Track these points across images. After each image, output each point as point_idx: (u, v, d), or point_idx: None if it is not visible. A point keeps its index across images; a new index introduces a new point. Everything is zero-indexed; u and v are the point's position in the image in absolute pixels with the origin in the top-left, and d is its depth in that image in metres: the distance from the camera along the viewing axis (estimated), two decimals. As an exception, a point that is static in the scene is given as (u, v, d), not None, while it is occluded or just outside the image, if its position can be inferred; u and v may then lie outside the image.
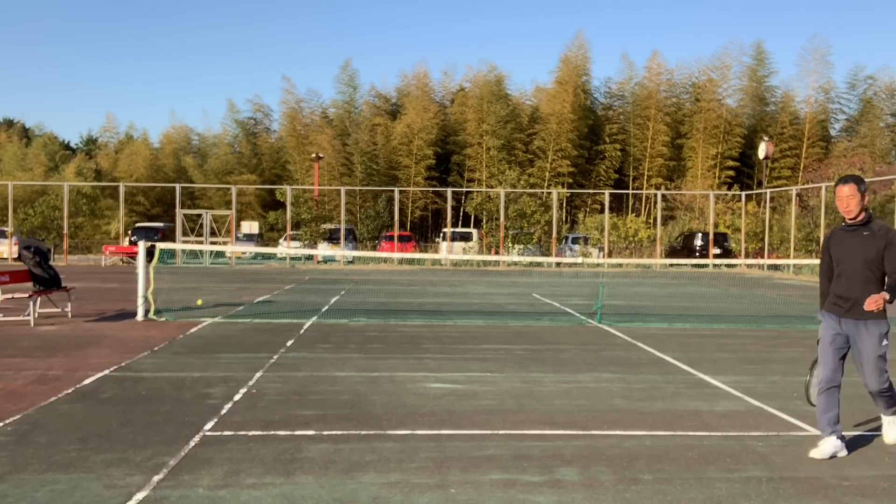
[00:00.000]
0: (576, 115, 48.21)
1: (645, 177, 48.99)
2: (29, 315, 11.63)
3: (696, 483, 4.59)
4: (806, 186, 37.26)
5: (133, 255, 28.52)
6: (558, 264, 33.45)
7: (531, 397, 6.88)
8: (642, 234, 37.91)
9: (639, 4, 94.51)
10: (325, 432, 5.59)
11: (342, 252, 32.34)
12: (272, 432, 5.57)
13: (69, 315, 12.47)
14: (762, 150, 38.04)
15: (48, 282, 12.33)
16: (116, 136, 58.39)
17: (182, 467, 4.73)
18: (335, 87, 77.62)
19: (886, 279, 5.09)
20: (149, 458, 4.91)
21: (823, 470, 4.90)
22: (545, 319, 13.14)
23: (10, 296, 12.06)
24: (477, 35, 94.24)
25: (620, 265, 34.18)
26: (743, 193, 39.34)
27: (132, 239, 33.12)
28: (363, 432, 5.61)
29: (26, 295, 11.72)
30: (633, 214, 45.39)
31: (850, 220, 5.19)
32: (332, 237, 36.01)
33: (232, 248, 30.65)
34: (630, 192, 46.69)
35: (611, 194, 39.97)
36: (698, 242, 36.25)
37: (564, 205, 46.47)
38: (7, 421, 5.79)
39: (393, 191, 37.52)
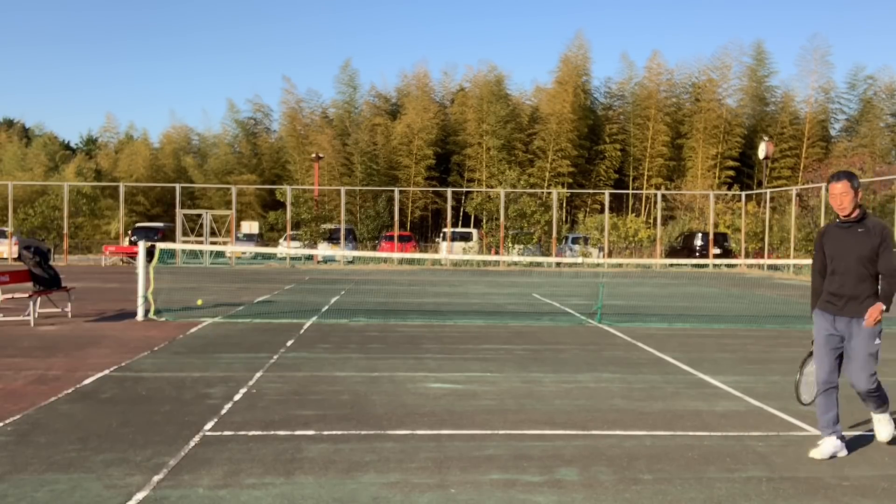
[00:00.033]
0: (576, 115, 48.21)
1: (645, 177, 48.99)
2: (29, 315, 11.64)
3: (696, 483, 4.59)
4: (806, 186, 37.25)
5: (133, 255, 28.52)
6: (558, 264, 33.44)
7: (531, 397, 6.88)
8: (642, 234, 37.91)
9: (639, 4, 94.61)
10: (325, 432, 5.59)
11: (342, 252, 32.34)
12: (272, 432, 5.57)
13: (69, 315, 12.47)
14: (762, 150, 38.04)
15: (48, 282, 12.34)
16: (116, 136, 58.47)
17: (182, 467, 4.74)
18: (335, 87, 77.75)
19: (879, 280, 5.07)
20: (149, 458, 4.91)
21: (823, 470, 4.90)
22: (545, 319, 13.14)
23: (10, 296, 12.06)
24: (477, 35, 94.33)
25: (620, 265, 34.18)
26: (743, 193, 39.33)
27: (132, 239, 33.11)
28: (363, 432, 5.61)
29: (26, 295, 11.72)
30: (633, 214, 45.38)
31: (845, 217, 5.15)
32: (332, 237, 36.01)
33: (232, 248, 30.64)
34: (630, 192, 46.69)
35: (611, 194, 39.97)
36: (698, 242, 36.25)
37: (564, 205, 46.47)
38: (7, 421, 5.79)
39: (393, 191, 37.51)
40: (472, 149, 48.81)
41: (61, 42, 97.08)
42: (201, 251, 35.16)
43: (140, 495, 4.23)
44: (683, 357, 9.25)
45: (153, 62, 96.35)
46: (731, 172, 48.62)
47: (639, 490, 4.45)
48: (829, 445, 5.15)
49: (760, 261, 22.45)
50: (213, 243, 33.98)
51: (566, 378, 7.82)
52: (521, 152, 49.15)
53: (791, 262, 21.96)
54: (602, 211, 40.26)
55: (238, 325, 11.82)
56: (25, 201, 37.98)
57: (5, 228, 34.26)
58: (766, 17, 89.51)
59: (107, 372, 7.78)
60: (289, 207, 34.38)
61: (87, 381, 7.30)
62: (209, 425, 5.73)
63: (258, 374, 7.74)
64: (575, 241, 37.60)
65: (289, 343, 9.90)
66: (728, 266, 33.56)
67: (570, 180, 48.22)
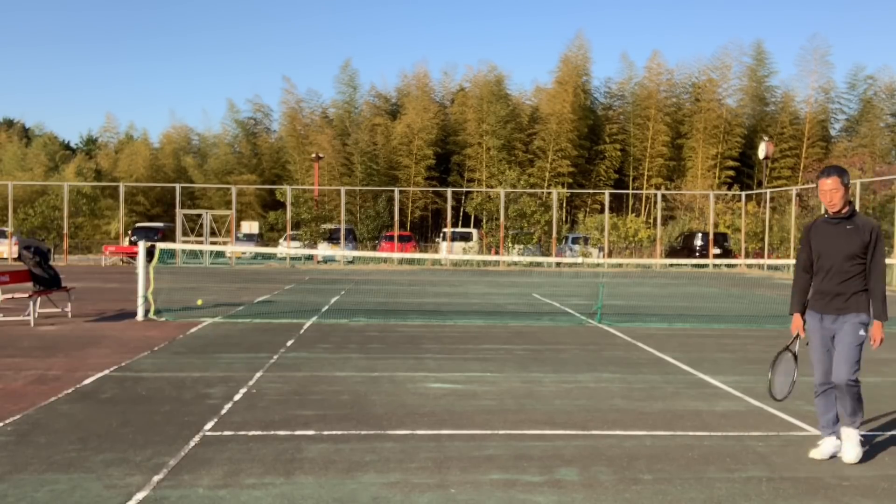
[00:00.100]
0: (576, 115, 48.21)
1: (645, 177, 48.99)
2: (29, 315, 11.64)
3: (696, 483, 4.59)
4: (806, 186, 37.26)
5: (133, 255, 28.51)
6: (558, 264, 33.45)
7: (531, 397, 6.88)
8: (642, 234, 37.92)
9: (639, 4, 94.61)
10: (325, 432, 5.59)
11: (342, 252, 32.35)
12: (272, 432, 5.57)
13: (69, 315, 12.47)
14: (762, 150, 38.04)
15: (48, 282, 12.34)
16: (116, 136, 58.51)
17: (182, 467, 4.73)
18: (335, 87, 77.79)
19: (870, 283, 5.01)
20: (149, 458, 4.91)
21: (823, 470, 4.90)
22: (545, 319, 13.14)
23: (10, 296, 12.06)
24: (477, 35, 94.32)
25: (620, 265, 34.18)
26: (743, 193, 39.34)
27: (132, 239, 33.12)
28: (363, 432, 5.61)
29: (26, 295, 11.72)
30: (633, 214, 45.39)
31: (834, 213, 5.10)
32: (332, 237, 36.02)
33: (232, 248, 30.66)
34: (630, 192, 46.69)
35: (611, 194, 39.98)
36: (698, 242, 36.26)
37: (564, 205, 46.47)
38: (7, 421, 5.79)
39: (393, 191, 37.52)
40: (472, 149, 48.82)
41: (61, 42, 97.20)
42: (201, 251, 35.16)
43: (140, 495, 4.23)
44: (683, 357, 9.25)
45: (153, 62, 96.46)
46: (731, 172, 48.63)
47: (639, 490, 4.45)
48: (828, 445, 5.15)
49: (760, 261, 22.42)
50: (213, 243, 33.98)
51: (566, 378, 7.82)
52: (521, 152, 49.15)
53: (791, 262, 21.93)
54: (602, 211, 40.26)
55: (238, 325, 11.82)
56: (25, 201, 37.99)
57: (5, 228, 34.26)
58: (765, 17, 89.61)
59: (107, 372, 7.78)
60: (289, 207, 34.38)
61: (87, 381, 7.30)
62: (209, 425, 5.73)
63: (258, 374, 7.74)
64: (575, 241, 37.61)
65: (289, 343, 9.90)
66: (728, 266, 33.57)
67: (570, 180, 48.23)
